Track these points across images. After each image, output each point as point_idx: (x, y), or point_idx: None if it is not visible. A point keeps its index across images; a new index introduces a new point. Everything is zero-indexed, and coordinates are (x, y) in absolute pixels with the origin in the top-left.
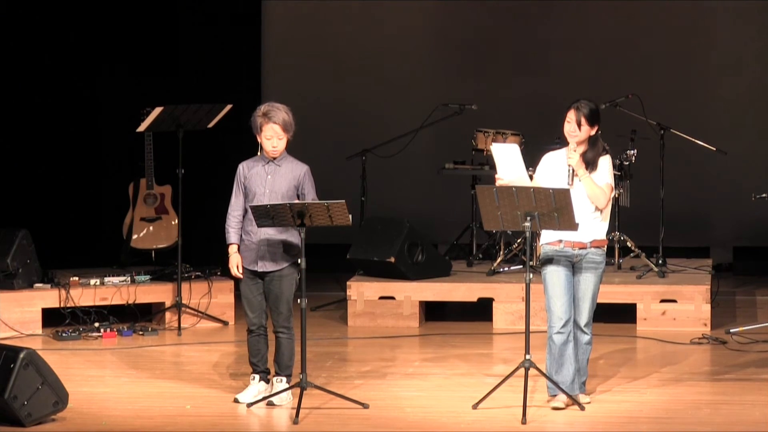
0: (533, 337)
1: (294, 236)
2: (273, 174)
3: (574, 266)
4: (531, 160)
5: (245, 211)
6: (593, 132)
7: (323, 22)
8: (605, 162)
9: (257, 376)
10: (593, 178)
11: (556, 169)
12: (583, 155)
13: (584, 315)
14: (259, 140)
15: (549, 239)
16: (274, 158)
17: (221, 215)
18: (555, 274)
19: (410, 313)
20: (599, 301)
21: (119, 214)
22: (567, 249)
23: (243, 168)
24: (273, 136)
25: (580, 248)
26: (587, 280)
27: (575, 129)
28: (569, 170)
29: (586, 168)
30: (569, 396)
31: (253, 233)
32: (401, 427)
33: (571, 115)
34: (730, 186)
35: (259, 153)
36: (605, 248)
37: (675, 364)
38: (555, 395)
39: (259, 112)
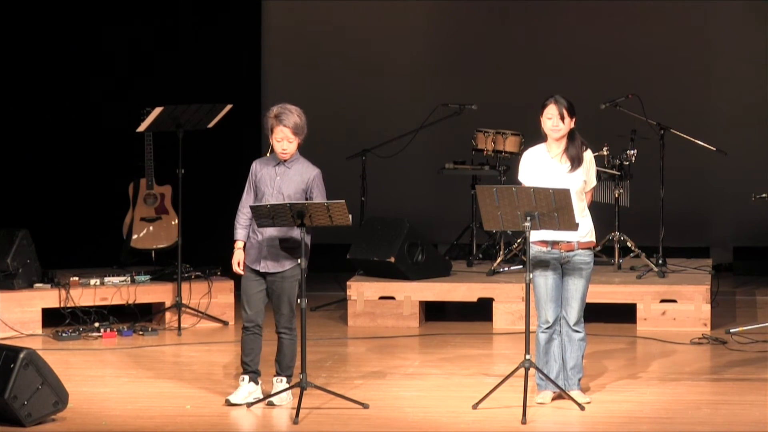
0: (533, 337)
1: (299, 236)
2: (282, 176)
3: (562, 266)
4: None
5: None
6: (573, 124)
7: (323, 22)
8: (591, 159)
9: (246, 377)
10: (583, 175)
11: (539, 164)
12: (566, 151)
13: (574, 314)
14: (270, 141)
15: (536, 239)
16: (285, 160)
17: (221, 215)
18: (543, 279)
19: (410, 313)
20: (599, 301)
21: (119, 214)
22: (555, 251)
23: (256, 166)
24: (283, 139)
25: (568, 250)
26: (576, 281)
27: (558, 123)
28: None
29: (572, 164)
30: (560, 389)
31: (260, 232)
32: (401, 427)
33: (551, 110)
34: (730, 186)
35: (268, 153)
36: (593, 248)
37: (675, 364)
38: (541, 391)
39: (271, 114)
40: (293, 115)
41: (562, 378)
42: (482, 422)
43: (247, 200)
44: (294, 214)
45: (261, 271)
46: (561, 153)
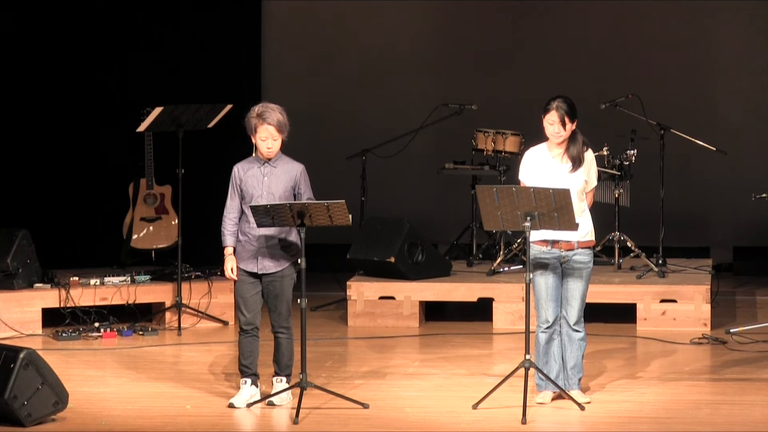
0: (533, 337)
1: (292, 236)
2: (269, 175)
3: (562, 266)
4: None
5: (241, 213)
6: (574, 127)
7: (323, 21)
8: (592, 159)
9: (248, 380)
10: (584, 175)
11: (540, 164)
12: (567, 152)
13: (574, 314)
14: (253, 141)
15: (536, 238)
16: (270, 159)
17: (221, 215)
18: (543, 279)
19: (410, 313)
20: (599, 301)
21: (119, 214)
22: (555, 251)
23: (238, 170)
24: (268, 137)
25: (568, 249)
26: (576, 281)
27: (560, 130)
28: None
29: (573, 164)
30: (561, 389)
31: (251, 234)
32: (401, 427)
33: (552, 117)
34: (730, 186)
35: (254, 154)
36: (593, 248)
37: (675, 364)
38: (541, 391)
39: (253, 114)
40: (275, 112)
41: (562, 378)
42: (482, 422)
43: (231, 206)
44: (294, 214)
45: (259, 273)
46: (562, 153)
